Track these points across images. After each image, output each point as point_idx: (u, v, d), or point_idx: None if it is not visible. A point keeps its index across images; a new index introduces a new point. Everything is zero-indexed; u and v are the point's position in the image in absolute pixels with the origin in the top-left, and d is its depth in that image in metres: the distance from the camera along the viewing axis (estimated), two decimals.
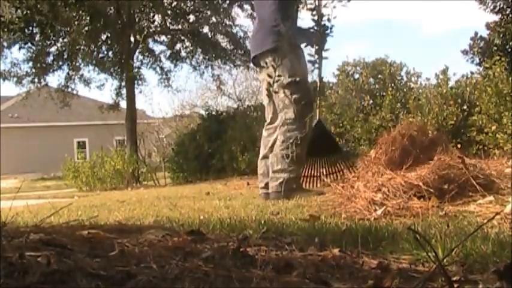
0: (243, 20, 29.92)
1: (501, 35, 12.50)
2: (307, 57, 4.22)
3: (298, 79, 3.97)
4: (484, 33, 13.32)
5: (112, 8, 14.32)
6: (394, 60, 9.56)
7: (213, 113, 12.35)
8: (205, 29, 15.57)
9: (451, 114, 7.70)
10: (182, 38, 15.91)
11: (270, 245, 1.63)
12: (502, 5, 12.75)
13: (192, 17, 15.50)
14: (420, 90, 8.79)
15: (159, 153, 16.99)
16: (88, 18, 13.65)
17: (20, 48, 13.82)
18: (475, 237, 1.69)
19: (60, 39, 14.48)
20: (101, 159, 13.60)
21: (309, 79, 4.88)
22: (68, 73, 15.15)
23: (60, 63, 14.93)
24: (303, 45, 4.21)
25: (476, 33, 13.48)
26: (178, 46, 16.04)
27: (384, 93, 9.12)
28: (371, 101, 9.23)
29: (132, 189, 10.24)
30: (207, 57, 15.90)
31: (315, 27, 4.22)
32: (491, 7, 12.90)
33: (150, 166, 14.55)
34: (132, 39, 15.04)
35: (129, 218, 3.09)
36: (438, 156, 3.02)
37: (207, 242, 1.58)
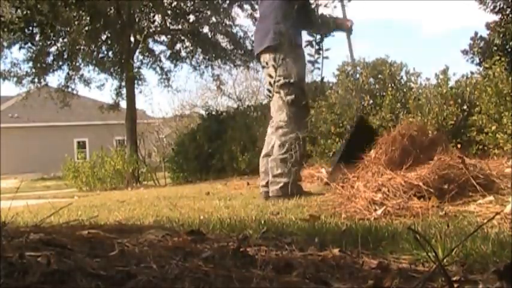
0: (243, 20, 30.05)
1: (501, 35, 12.49)
2: (307, 57, 4.20)
3: (292, 80, 3.94)
4: (484, 33, 13.31)
5: (112, 8, 14.31)
6: (394, 60, 9.54)
7: (213, 113, 12.34)
8: (205, 29, 15.58)
9: (451, 114, 7.69)
10: (182, 38, 15.91)
11: (270, 245, 1.63)
12: (502, 5, 12.74)
13: (192, 17, 15.50)
14: (420, 90, 8.77)
15: (159, 153, 16.99)
16: (88, 18, 13.64)
17: (20, 48, 13.83)
18: (475, 237, 1.69)
19: (60, 39, 14.48)
20: (101, 159, 13.60)
21: (309, 79, 4.87)
22: (68, 73, 15.15)
23: (60, 63, 14.93)
24: (304, 45, 4.20)
25: (476, 33, 13.48)
26: (178, 46, 16.05)
27: (384, 93, 9.11)
28: (371, 101, 9.23)
29: (132, 189, 10.24)
30: (207, 57, 15.90)
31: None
32: (491, 7, 12.90)
33: (150, 166, 14.54)
34: (132, 39, 15.03)
35: (129, 218, 3.10)
36: (438, 156, 3.02)
37: (207, 242, 1.58)
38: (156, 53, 16.11)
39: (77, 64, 15.05)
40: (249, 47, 15.44)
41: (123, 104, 15.63)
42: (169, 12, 15.22)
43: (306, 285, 1.16)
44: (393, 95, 8.77)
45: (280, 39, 3.87)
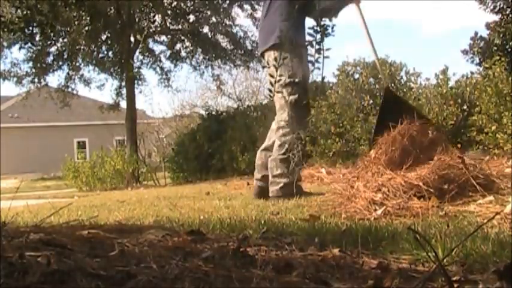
0: (243, 20, 30.02)
1: (501, 35, 12.49)
2: (308, 57, 4.19)
3: (297, 80, 3.93)
4: (484, 33, 13.32)
5: (112, 8, 14.31)
6: (394, 60, 9.55)
7: (213, 113, 12.35)
8: (205, 29, 15.58)
9: (451, 114, 7.69)
10: (182, 38, 15.91)
11: (270, 245, 1.63)
12: (502, 5, 12.74)
13: (192, 17, 15.51)
14: (420, 90, 8.78)
15: (159, 153, 16.99)
16: (88, 18, 13.64)
17: (20, 48, 13.83)
18: (475, 237, 1.69)
19: (60, 39, 14.48)
20: (101, 159, 13.60)
21: (309, 79, 4.85)
22: (68, 73, 15.15)
23: (60, 63, 14.93)
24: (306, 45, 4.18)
25: (476, 33, 13.48)
26: (178, 46, 16.05)
27: None
28: (371, 101, 9.23)
29: (132, 189, 10.24)
30: (207, 57, 15.91)
31: (315, 27, 4.19)
32: (491, 7, 12.90)
33: (150, 166, 14.55)
34: (132, 39, 15.04)
35: (129, 218, 3.09)
36: (438, 156, 3.02)
37: (207, 242, 1.57)
38: (156, 53, 16.14)
39: (77, 64, 15.05)
40: (249, 47, 15.46)
41: (123, 104, 15.66)
42: (169, 12, 15.22)
43: (306, 285, 1.16)
44: None
45: (285, 37, 3.84)
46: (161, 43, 16.33)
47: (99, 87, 15.82)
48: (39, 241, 1.28)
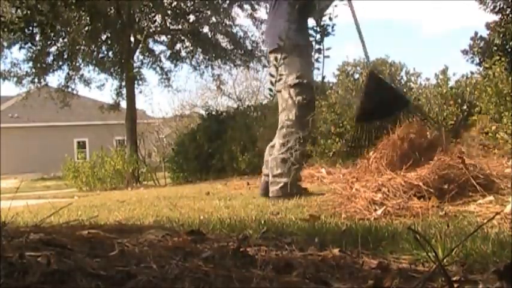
0: (243, 20, 29.93)
1: (501, 35, 12.49)
2: None
3: (305, 81, 3.96)
4: (484, 33, 13.32)
5: (112, 8, 14.31)
6: (394, 60, 9.57)
7: (213, 113, 12.35)
8: (205, 29, 15.58)
9: (451, 114, 7.70)
10: (182, 38, 15.91)
11: (270, 245, 1.63)
12: (502, 5, 12.74)
13: (192, 17, 15.51)
14: (420, 90, 8.79)
15: (159, 153, 16.99)
16: (88, 18, 13.64)
17: (20, 48, 13.83)
18: (475, 237, 1.69)
19: (60, 39, 14.48)
20: (101, 159, 13.60)
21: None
22: (68, 73, 15.15)
23: (60, 63, 14.93)
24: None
25: (476, 33, 13.49)
26: (178, 46, 16.05)
27: None
28: None
29: (132, 189, 10.24)
30: (207, 57, 15.91)
31: (315, 27, 4.19)
32: (491, 7, 12.90)
33: (150, 166, 14.55)
34: (132, 39, 15.04)
35: (129, 218, 3.10)
36: (438, 157, 3.02)
37: (207, 242, 1.57)
38: (156, 53, 16.14)
39: (77, 64, 15.05)
40: (249, 47, 15.46)
41: (123, 104, 15.65)
42: (169, 12, 15.22)
43: (306, 285, 1.16)
44: None
45: (289, 39, 3.83)
46: (161, 43, 16.34)
47: (99, 87, 15.85)
48: (39, 241, 1.28)
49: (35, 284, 0.97)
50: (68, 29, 13.54)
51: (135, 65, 15.19)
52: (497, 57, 7.66)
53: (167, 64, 16.09)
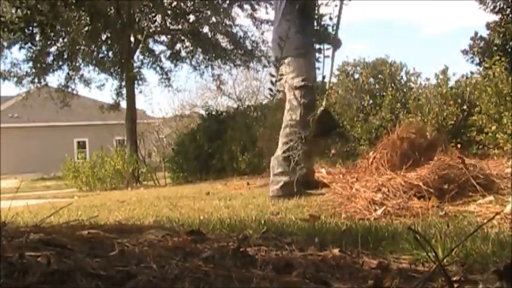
0: (243, 20, 29.87)
1: (501, 35, 12.49)
2: None
3: (310, 84, 4.00)
4: (484, 33, 13.31)
5: (112, 8, 14.31)
6: (394, 60, 9.56)
7: (213, 113, 12.35)
8: (205, 29, 15.57)
9: (451, 114, 7.70)
10: (182, 38, 15.91)
11: (270, 245, 1.63)
12: (502, 5, 12.73)
13: (192, 17, 15.50)
14: (420, 90, 8.79)
15: (159, 153, 16.99)
16: (88, 18, 13.64)
17: (20, 48, 13.82)
18: (475, 237, 1.69)
19: (60, 39, 14.48)
20: (101, 159, 13.60)
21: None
22: (68, 73, 15.15)
23: (60, 63, 14.93)
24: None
25: (476, 33, 13.47)
26: (178, 46, 16.04)
27: (384, 93, 9.13)
28: (371, 101, 9.24)
29: (132, 189, 10.24)
30: (207, 57, 15.90)
31: (315, 27, 4.20)
32: (491, 7, 12.89)
33: (150, 166, 14.54)
34: (132, 39, 15.03)
35: (129, 218, 3.10)
36: (438, 157, 3.02)
37: (207, 242, 1.57)
38: (156, 53, 16.13)
39: (77, 64, 15.04)
40: (249, 47, 15.46)
41: (123, 104, 15.64)
42: (169, 12, 15.22)
43: (306, 285, 1.16)
44: (393, 95, 8.78)
45: (284, 41, 3.84)
46: (161, 43, 16.33)
47: (99, 87, 15.83)
48: (39, 241, 1.28)
49: (35, 284, 0.97)
50: (68, 29, 13.54)
51: (135, 65, 15.19)
52: (497, 57, 7.66)
53: (167, 64, 16.11)
